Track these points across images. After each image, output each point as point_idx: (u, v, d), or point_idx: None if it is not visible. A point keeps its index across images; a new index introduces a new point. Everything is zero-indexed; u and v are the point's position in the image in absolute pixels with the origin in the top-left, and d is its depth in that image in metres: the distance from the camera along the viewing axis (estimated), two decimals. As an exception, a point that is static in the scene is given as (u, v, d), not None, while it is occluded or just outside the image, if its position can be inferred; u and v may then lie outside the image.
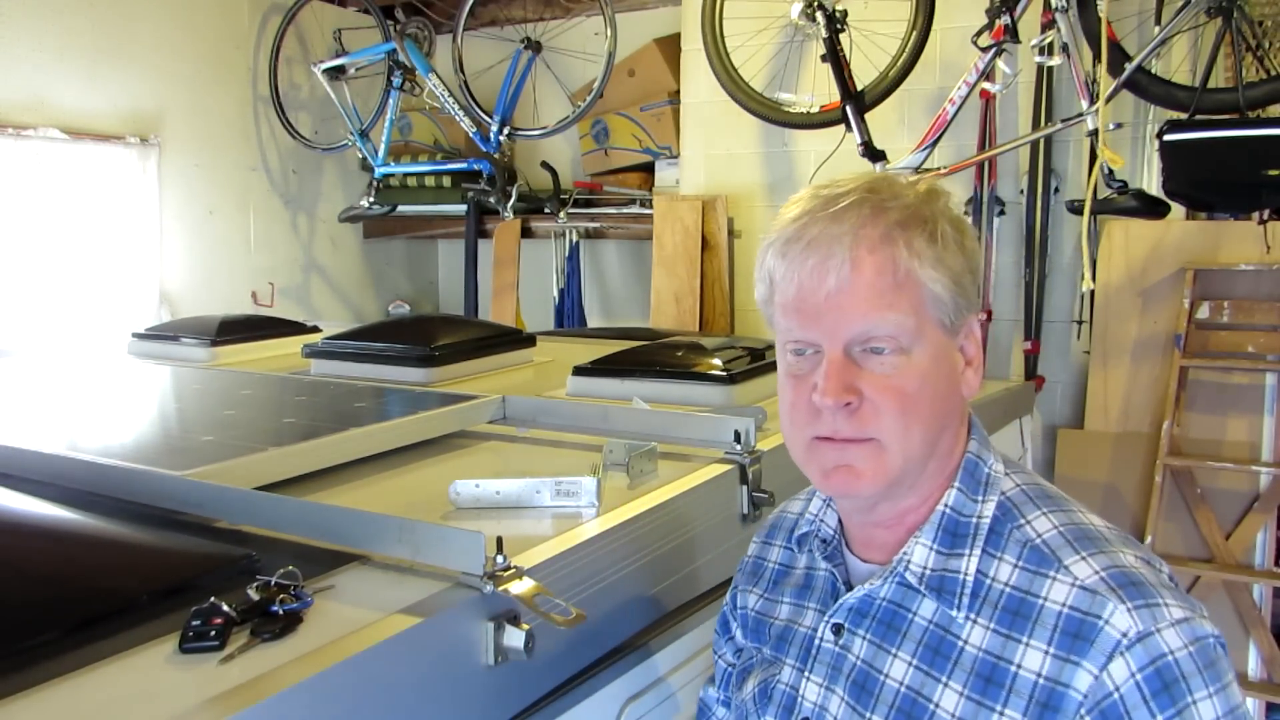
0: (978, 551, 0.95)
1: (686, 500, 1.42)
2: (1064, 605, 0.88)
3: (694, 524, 1.43)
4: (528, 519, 1.31)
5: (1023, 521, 0.96)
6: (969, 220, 1.02)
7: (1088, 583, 0.88)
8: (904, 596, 0.98)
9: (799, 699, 1.03)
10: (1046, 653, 0.88)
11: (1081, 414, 3.58)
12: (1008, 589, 0.92)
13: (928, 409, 0.96)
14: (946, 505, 0.98)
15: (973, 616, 0.93)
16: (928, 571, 0.96)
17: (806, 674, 1.03)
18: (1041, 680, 0.87)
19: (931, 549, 0.97)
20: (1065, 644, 0.87)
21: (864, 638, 0.99)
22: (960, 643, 0.93)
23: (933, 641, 0.94)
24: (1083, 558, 0.91)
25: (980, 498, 0.98)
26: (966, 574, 0.94)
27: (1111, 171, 2.97)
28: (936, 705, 0.92)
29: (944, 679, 0.92)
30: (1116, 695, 0.84)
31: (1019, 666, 0.89)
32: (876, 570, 1.01)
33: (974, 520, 0.97)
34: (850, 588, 1.03)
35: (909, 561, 0.97)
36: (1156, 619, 0.85)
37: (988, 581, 0.94)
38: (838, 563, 1.07)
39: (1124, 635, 0.85)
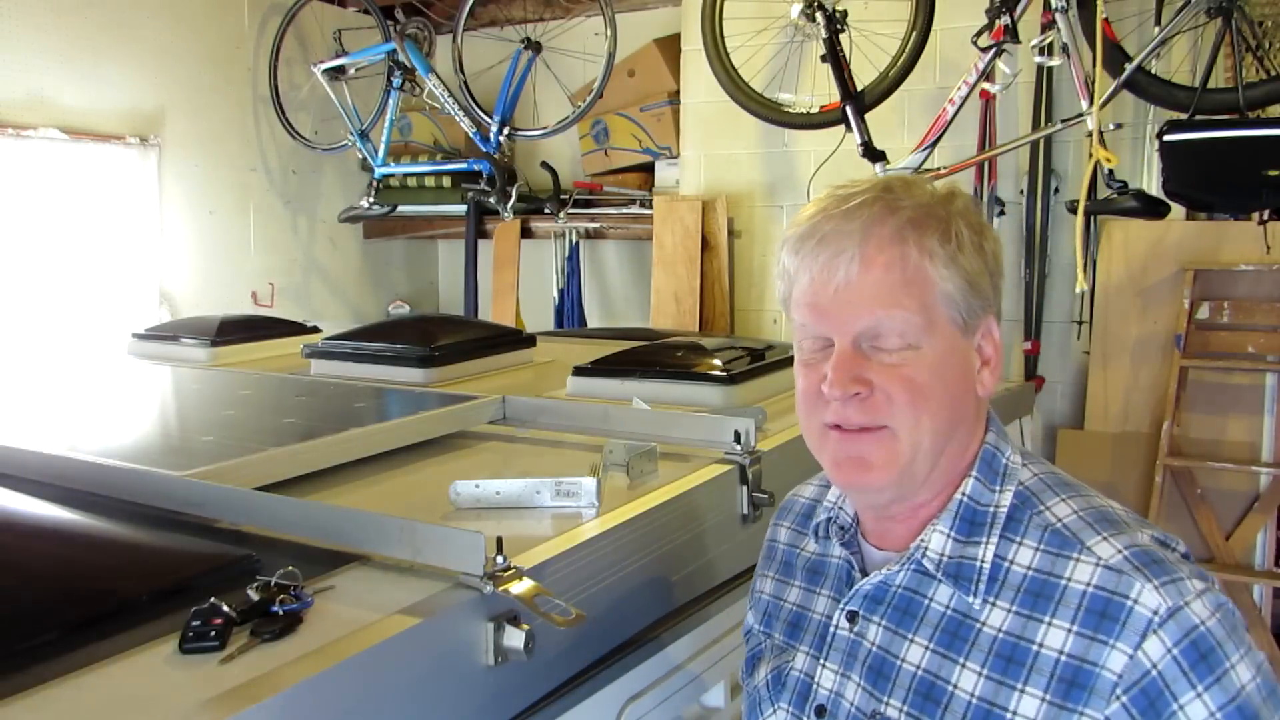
0: (995, 540, 0.96)
1: (686, 501, 1.42)
2: (1089, 585, 0.89)
3: (694, 524, 1.43)
4: (528, 519, 1.31)
5: (1042, 508, 0.96)
6: (990, 225, 1.02)
7: (1112, 562, 0.89)
8: (920, 583, 0.98)
9: (814, 686, 1.03)
10: (1070, 630, 0.88)
11: (1081, 414, 3.59)
12: (1029, 572, 0.93)
13: (937, 402, 0.96)
14: (964, 494, 0.99)
15: (991, 600, 0.93)
16: (945, 558, 0.97)
17: (822, 661, 1.03)
18: (1064, 658, 0.88)
19: (949, 536, 0.97)
20: (1091, 622, 0.87)
21: (879, 624, 0.99)
22: (978, 625, 0.93)
23: (950, 626, 0.95)
24: (1104, 538, 0.91)
25: (998, 487, 0.99)
26: (983, 561, 0.95)
27: (1111, 171, 2.97)
28: (955, 686, 0.92)
29: (961, 660, 0.93)
30: (1155, 672, 0.84)
31: (1041, 645, 0.89)
32: (892, 557, 1.02)
33: (991, 510, 0.98)
34: (866, 575, 1.03)
35: (926, 548, 0.98)
36: (1183, 592, 0.86)
37: (1006, 565, 0.94)
38: (854, 550, 1.07)
39: (1154, 613, 0.85)
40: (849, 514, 1.09)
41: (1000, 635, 0.92)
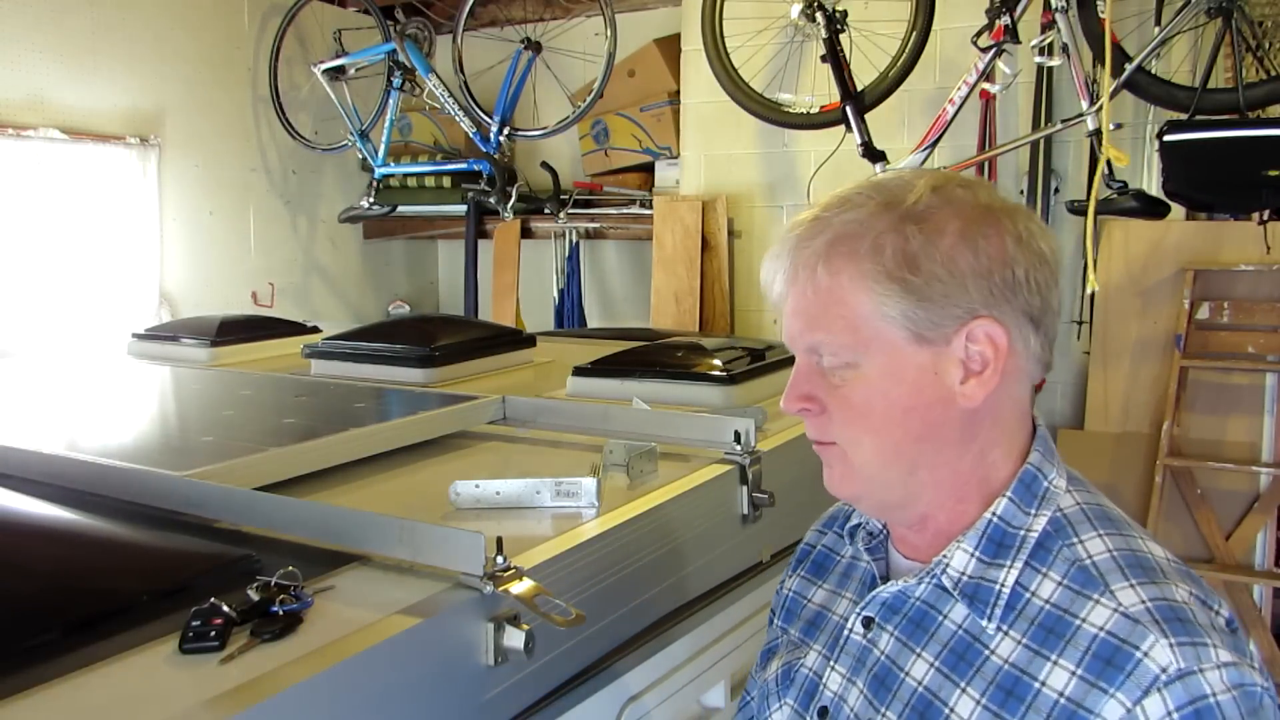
0: (1020, 564, 0.92)
1: (686, 501, 1.42)
2: (1101, 629, 0.85)
3: (694, 525, 1.43)
4: (528, 519, 1.31)
5: (1075, 540, 0.92)
6: (984, 223, 0.95)
7: (1131, 611, 0.85)
8: (937, 599, 0.96)
9: (821, 686, 1.03)
10: (1073, 674, 0.85)
11: (1081, 414, 3.59)
12: (1047, 606, 0.89)
13: (880, 421, 0.94)
14: (995, 514, 0.95)
15: (1004, 629, 0.91)
16: (965, 578, 0.94)
17: (832, 663, 1.02)
18: (1063, 700, 0.84)
19: (973, 556, 0.95)
20: (1095, 668, 0.84)
21: (891, 633, 0.98)
22: (986, 652, 0.91)
23: (959, 647, 0.93)
24: (1131, 585, 0.87)
25: (1033, 511, 0.95)
26: (1003, 585, 0.92)
27: (1111, 171, 2.97)
28: (951, 710, 0.90)
29: (962, 684, 0.91)
30: None
31: (1043, 684, 0.86)
32: (915, 568, 1.00)
33: (1021, 532, 0.94)
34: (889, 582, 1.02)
35: (948, 565, 0.95)
36: (1201, 659, 0.81)
37: (1026, 595, 0.91)
38: (879, 556, 1.06)
39: (1163, 670, 0.81)
40: (879, 521, 1.08)
41: (1006, 666, 0.89)
